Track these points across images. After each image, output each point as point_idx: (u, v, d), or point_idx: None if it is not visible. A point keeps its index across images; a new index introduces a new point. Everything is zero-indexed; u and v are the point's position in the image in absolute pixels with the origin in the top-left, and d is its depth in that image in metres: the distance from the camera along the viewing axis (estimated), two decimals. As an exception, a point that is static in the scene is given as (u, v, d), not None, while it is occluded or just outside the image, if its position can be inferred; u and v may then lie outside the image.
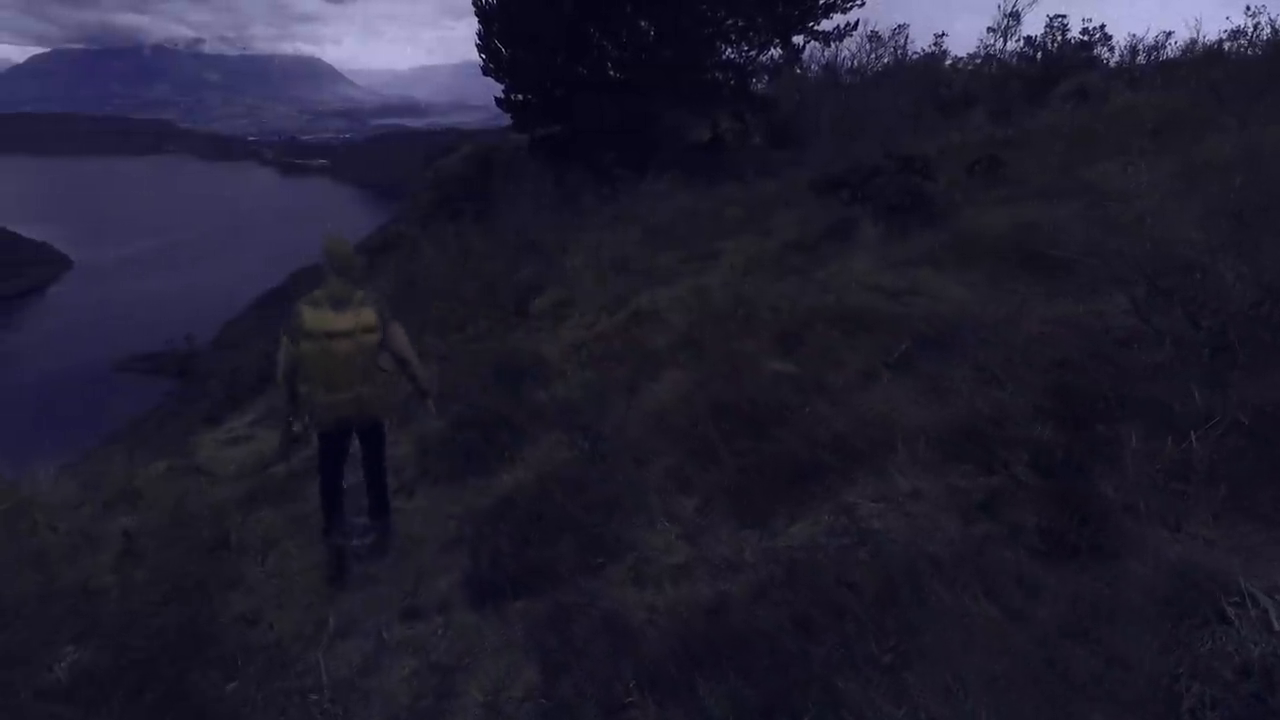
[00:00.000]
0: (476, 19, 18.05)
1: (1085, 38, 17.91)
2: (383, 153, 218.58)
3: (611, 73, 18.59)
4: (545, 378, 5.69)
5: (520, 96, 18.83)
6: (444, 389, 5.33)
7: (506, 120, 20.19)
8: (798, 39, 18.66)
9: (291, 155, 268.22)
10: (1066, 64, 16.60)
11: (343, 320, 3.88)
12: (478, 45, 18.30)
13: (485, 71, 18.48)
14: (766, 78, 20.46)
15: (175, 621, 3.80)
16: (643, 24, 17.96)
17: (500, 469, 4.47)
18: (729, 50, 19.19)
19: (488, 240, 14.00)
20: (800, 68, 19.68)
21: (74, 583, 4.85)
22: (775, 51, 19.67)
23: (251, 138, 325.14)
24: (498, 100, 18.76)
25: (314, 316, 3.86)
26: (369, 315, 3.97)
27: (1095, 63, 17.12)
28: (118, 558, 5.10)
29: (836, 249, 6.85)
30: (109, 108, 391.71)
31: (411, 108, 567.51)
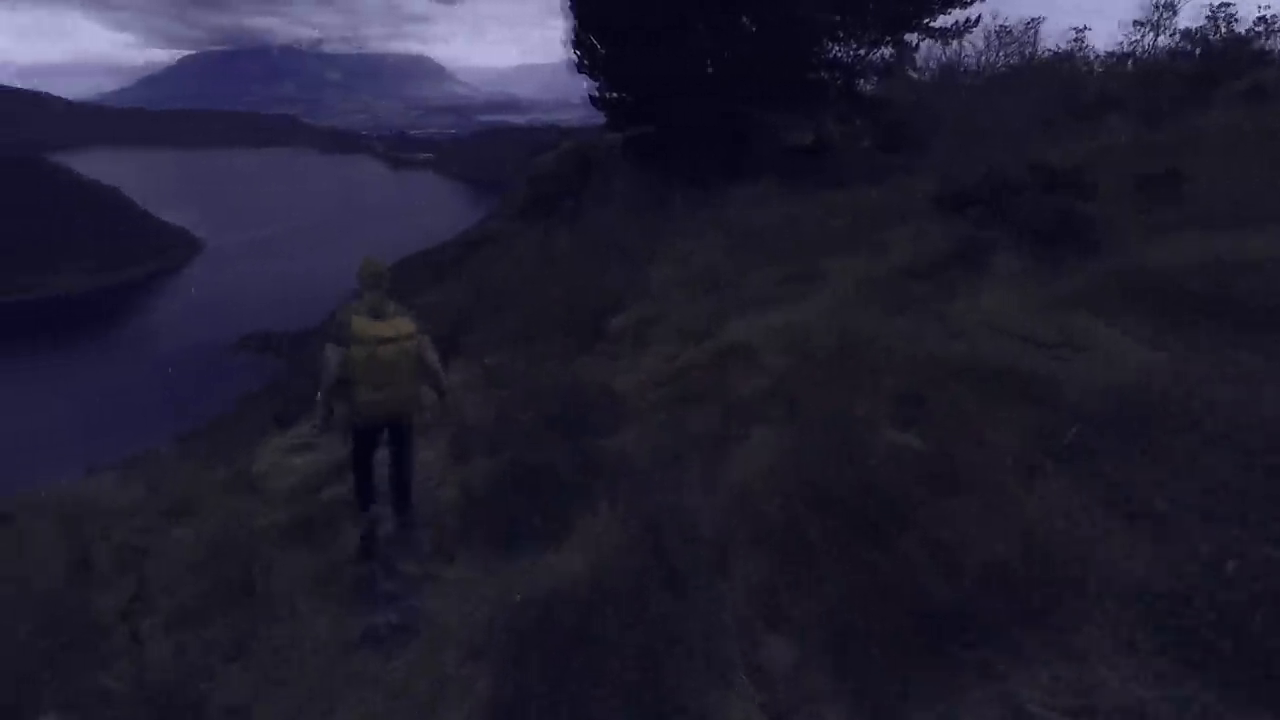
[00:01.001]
0: (570, 14, 17.50)
1: (1261, 29, 15.46)
2: (486, 148, 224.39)
3: (708, 70, 17.69)
4: (614, 420, 4.91)
5: (613, 94, 18.19)
6: (498, 432, 4.68)
7: (600, 118, 19.67)
8: (911, 36, 17.21)
9: (401, 150, 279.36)
10: (1232, 59, 14.40)
11: (386, 328, 4.38)
12: (571, 41, 17.76)
13: (578, 68, 17.93)
14: (876, 78, 19.08)
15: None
16: (744, 19, 16.97)
17: (549, 544, 3.73)
18: (836, 48, 17.94)
19: (575, 242, 13.43)
20: (914, 67, 18.22)
21: (83, 617, 4.54)
22: (886, 50, 18.31)
23: (365, 133, 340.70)
24: (592, 99, 18.19)
25: (362, 325, 4.34)
26: (407, 323, 4.47)
27: (1268, 56, 14.78)
28: (129, 601, 4.73)
29: (965, 279, 5.71)
30: (242, 105, 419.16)
31: (515, 104, 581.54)
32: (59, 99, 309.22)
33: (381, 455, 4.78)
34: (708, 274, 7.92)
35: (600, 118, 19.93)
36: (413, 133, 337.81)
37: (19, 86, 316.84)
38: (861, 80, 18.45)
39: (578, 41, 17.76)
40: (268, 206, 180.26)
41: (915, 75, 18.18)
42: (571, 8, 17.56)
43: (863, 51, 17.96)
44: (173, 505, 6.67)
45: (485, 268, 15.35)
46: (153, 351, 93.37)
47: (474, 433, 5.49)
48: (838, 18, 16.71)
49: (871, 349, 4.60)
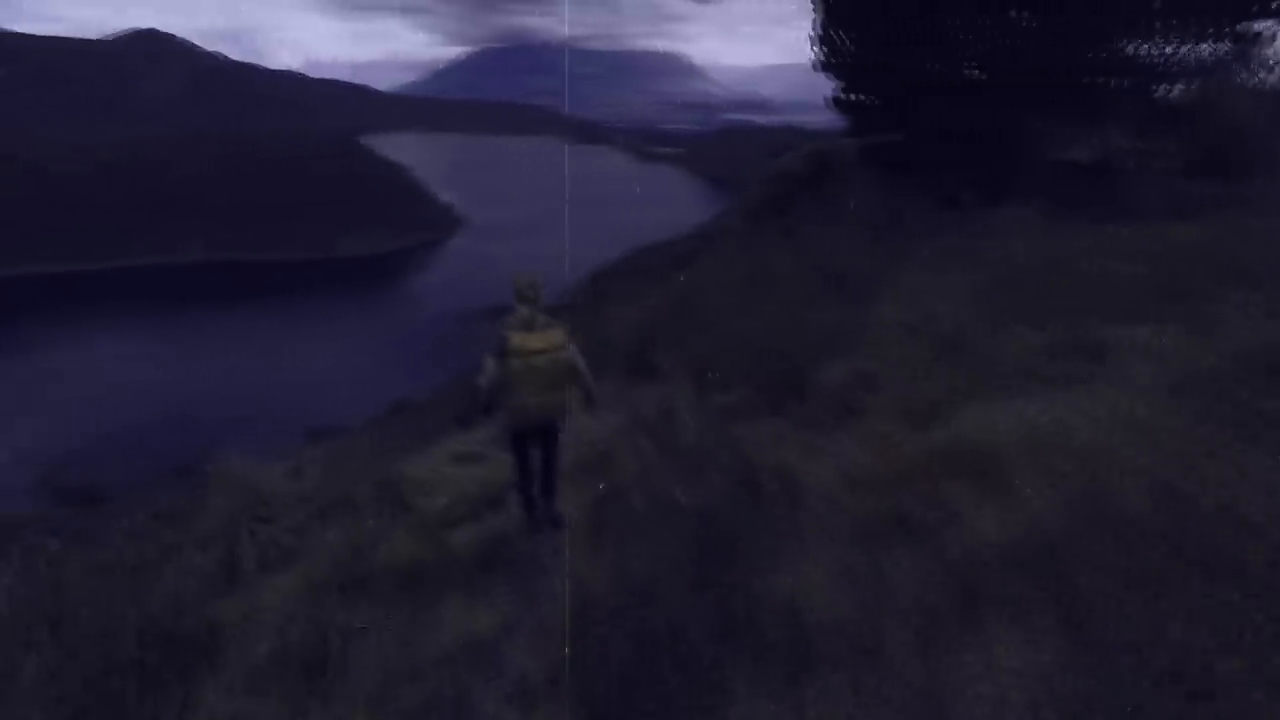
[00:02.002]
0: (817, 7, 16.02)
1: None
2: (728, 146, 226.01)
3: (968, 71, 15.34)
4: (785, 541, 3.72)
5: (856, 96, 16.46)
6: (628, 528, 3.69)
7: (842, 121, 18.03)
8: (1265, 25, 13.63)
9: (647, 143, 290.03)
10: None
11: (539, 340, 4.82)
12: (815, 36, 16.29)
13: (821, 66, 16.42)
14: (1193, 80, 15.45)
15: None
16: (1014, 13, 14.45)
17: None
18: (1139, 45, 14.74)
19: (795, 260, 12.15)
20: (1258, 68, 14.43)
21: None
22: (1214, 45, 14.73)
23: (615, 126, 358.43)
24: (833, 101, 16.62)
25: (518, 339, 4.81)
26: (557, 335, 4.90)
27: None
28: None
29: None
30: (510, 96, 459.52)
31: (760, 104, 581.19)
32: (372, 90, 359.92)
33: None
34: (946, 325, 6.34)
35: (843, 121, 18.31)
36: (659, 127, 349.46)
37: (348, 81, 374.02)
38: (1167, 85, 15.07)
39: (822, 37, 16.25)
40: (521, 189, 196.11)
41: (1256, 79, 14.46)
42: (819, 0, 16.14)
43: (1179, 47, 14.62)
44: (329, 503, 6.59)
45: (696, 275, 14.52)
46: (414, 312, 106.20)
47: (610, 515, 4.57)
48: (1157, 4, 13.67)
49: (1203, 500, 2.97)
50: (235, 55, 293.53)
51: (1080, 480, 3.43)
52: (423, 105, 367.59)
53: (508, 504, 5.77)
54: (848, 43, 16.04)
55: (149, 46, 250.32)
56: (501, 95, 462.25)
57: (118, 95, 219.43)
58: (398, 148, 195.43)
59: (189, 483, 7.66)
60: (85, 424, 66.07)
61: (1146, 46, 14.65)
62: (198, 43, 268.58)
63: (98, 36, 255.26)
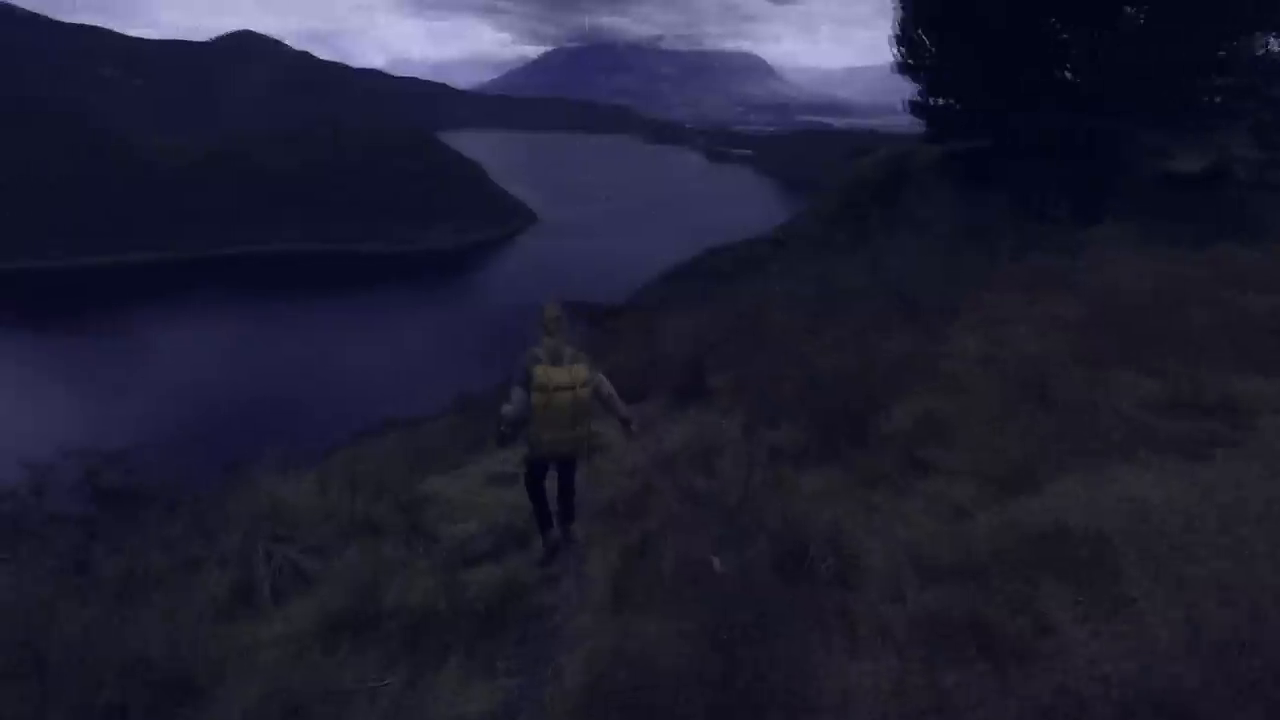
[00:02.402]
0: (900, 6, 15.04)
1: None
2: (803, 148, 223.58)
3: (1065, 75, 14.10)
4: (832, 636, 3.08)
5: (938, 100, 15.42)
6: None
7: (924, 127, 16.99)
8: None
9: (721, 144, 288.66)
10: None
11: (563, 375, 4.76)
12: (897, 36, 15.32)
13: (902, 68, 15.45)
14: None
15: None
16: (1130, 9, 13.17)
17: None
18: (1260, 42, 13.25)
19: (866, 275, 11.35)
20: None
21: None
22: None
23: (689, 125, 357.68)
24: (913, 104, 15.62)
25: (543, 373, 4.75)
26: (581, 371, 4.84)
27: None
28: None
29: None
30: (586, 95, 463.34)
31: (836, 106, 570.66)
32: (452, 88, 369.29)
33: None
34: (1035, 363, 5.53)
35: (922, 126, 17.27)
36: (734, 128, 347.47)
37: (429, 79, 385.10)
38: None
39: (904, 37, 15.27)
40: (594, 187, 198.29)
41: None
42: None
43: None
44: (353, 522, 6.23)
45: (761, 287, 13.80)
46: (485, 304, 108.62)
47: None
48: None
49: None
50: (323, 55, 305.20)
51: (1214, 598, 2.68)
52: (501, 103, 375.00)
53: (532, 544, 5.33)
54: (930, 43, 15.05)
55: (243, 48, 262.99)
56: (579, 94, 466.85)
57: (215, 93, 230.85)
58: (475, 144, 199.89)
59: (232, 483, 7.41)
60: (166, 410, 69.51)
61: (1267, 45, 13.23)
62: (288, 43, 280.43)
63: (199, 39, 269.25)
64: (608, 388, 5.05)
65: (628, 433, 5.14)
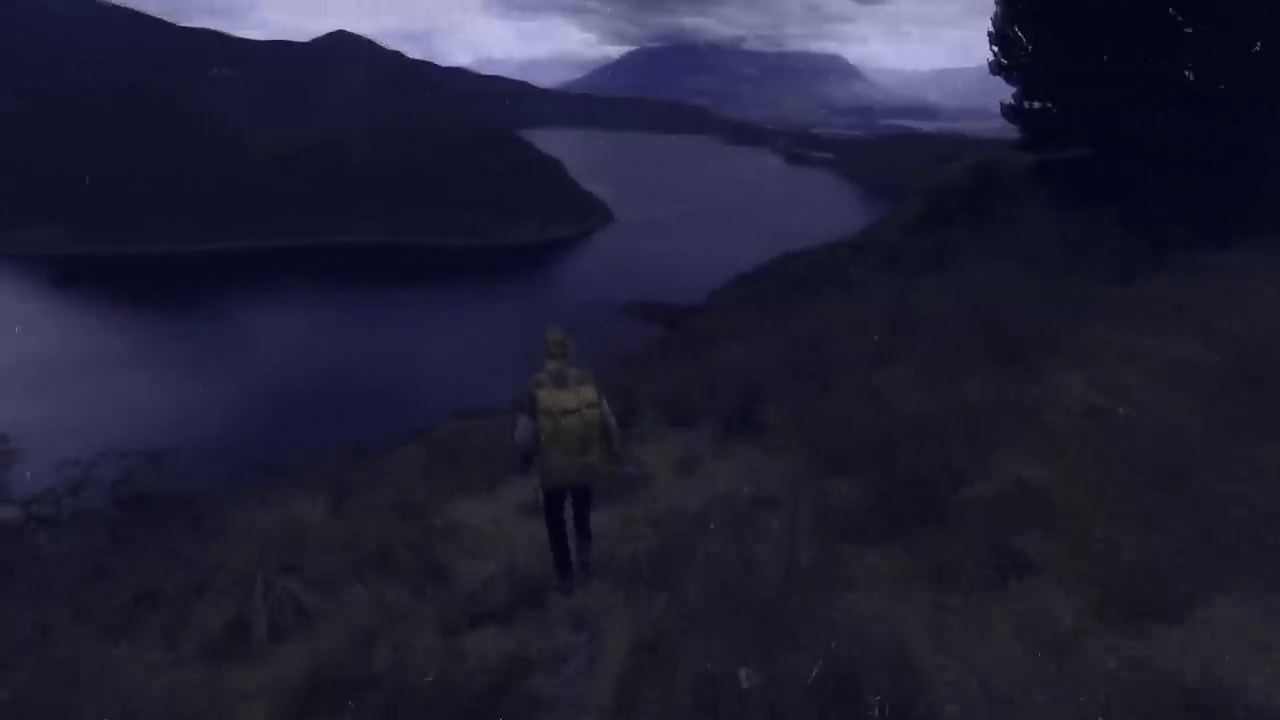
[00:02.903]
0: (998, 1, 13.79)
1: None
2: (886, 153, 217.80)
3: (1186, 73, 12.52)
4: None
5: (1035, 104, 14.10)
6: None
7: (1018, 133, 15.66)
8: None
9: (801, 146, 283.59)
10: None
11: (570, 399, 4.65)
12: (991, 34, 14.07)
13: (997, 68, 14.18)
14: None
15: None
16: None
17: None
18: None
19: (947, 296, 10.33)
20: None
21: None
22: None
23: (770, 127, 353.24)
24: (1005, 108, 14.34)
25: (548, 397, 4.65)
26: (589, 392, 4.74)
27: None
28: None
29: None
30: (667, 95, 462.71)
31: (923, 110, 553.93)
32: (535, 87, 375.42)
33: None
34: (1155, 424, 4.56)
35: (1017, 131, 15.92)
36: (815, 131, 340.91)
37: (514, 78, 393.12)
38: None
39: (1001, 34, 13.99)
40: (671, 188, 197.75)
41: None
42: (1000, -7, 13.89)
43: None
44: (367, 554, 5.71)
45: (832, 305, 12.89)
46: (560, 300, 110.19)
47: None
48: None
49: None
50: (414, 54, 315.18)
51: None
52: (583, 102, 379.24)
53: (547, 601, 4.72)
54: (1029, 40, 13.75)
55: (339, 47, 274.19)
56: (660, 94, 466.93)
57: (312, 91, 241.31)
58: (557, 143, 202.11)
59: (260, 493, 7.10)
60: (241, 396, 72.74)
61: None
62: (381, 43, 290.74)
63: (300, 39, 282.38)
64: (610, 416, 4.89)
65: (615, 462, 5.00)
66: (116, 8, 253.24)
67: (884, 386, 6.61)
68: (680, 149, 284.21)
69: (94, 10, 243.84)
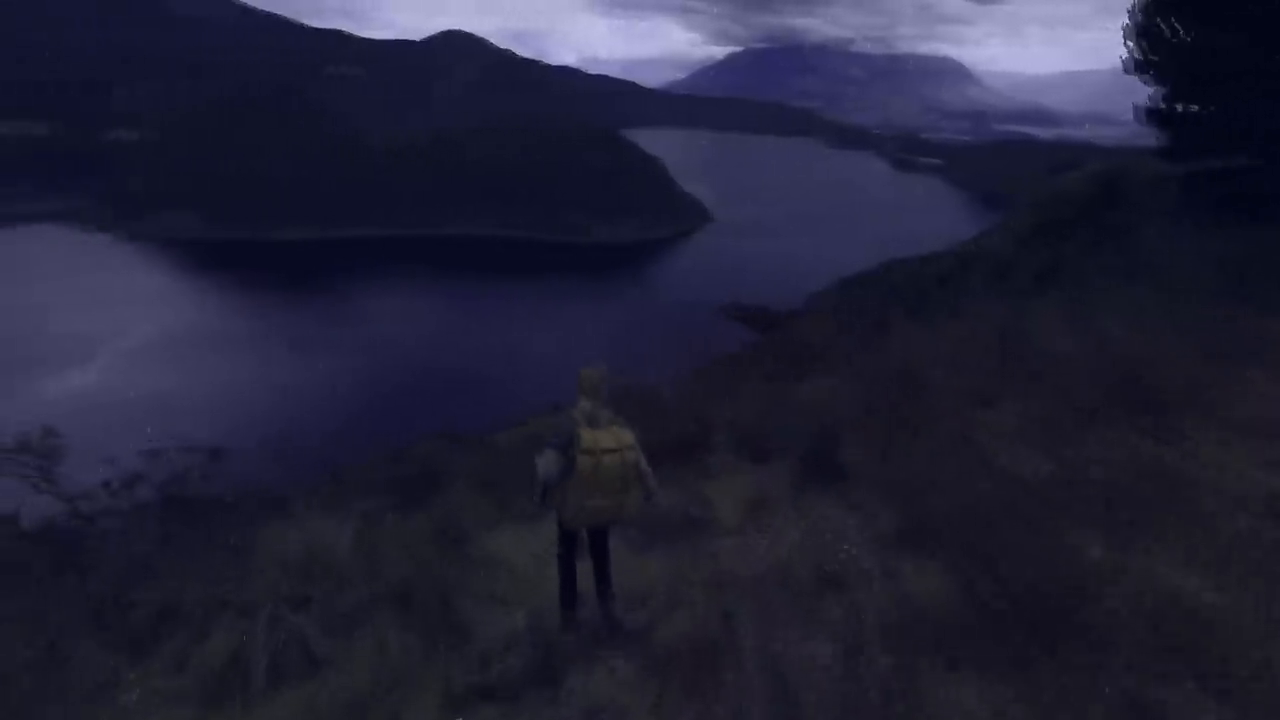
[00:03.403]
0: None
1: None
2: (998, 159, 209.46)
3: None
4: None
5: (1180, 106, 12.39)
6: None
7: (1153, 138, 13.88)
8: None
9: (907, 151, 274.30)
10: None
11: (609, 438, 4.50)
12: (1127, 28, 12.43)
13: (1135, 66, 12.52)
14: None
15: None
16: None
17: None
18: None
19: (1066, 331, 9.06)
20: None
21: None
22: None
23: (876, 131, 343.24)
24: (1144, 112, 12.67)
25: (590, 437, 4.46)
26: (625, 434, 4.59)
27: None
28: None
29: None
30: (770, 96, 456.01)
31: (1041, 115, 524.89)
32: (639, 86, 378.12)
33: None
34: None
35: (1146, 137, 14.12)
36: (923, 135, 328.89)
37: (619, 77, 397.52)
38: None
39: (1143, 27, 12.32)
40: (772, 190, 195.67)
41: None
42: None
43: None
44: (388, 589, 5.20)
45: (932, 330, 11.74)
46: (656, 299, 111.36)
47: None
48: None
49: None
50: (523, 53, 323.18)
51: None
52: (686, 102, 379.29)
53: (565, 682, 4.07)
54: (1179, 33, 12.07)
55: (453, 46, 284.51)
56: (764, 95, 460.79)
57: (428, 88, 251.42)
58: (659, 142, 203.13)
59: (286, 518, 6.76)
60: (341, 379, 76.65)
61: None
62: (492, 41, 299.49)
63: (417, 39, 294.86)
64: (643, 459, 4.72)
65: (652, 502, 4.82)
66: (255, 10, 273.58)
67: (987, 435, 5.62)
68: (783, 151, 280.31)
69: (235, 13, 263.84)
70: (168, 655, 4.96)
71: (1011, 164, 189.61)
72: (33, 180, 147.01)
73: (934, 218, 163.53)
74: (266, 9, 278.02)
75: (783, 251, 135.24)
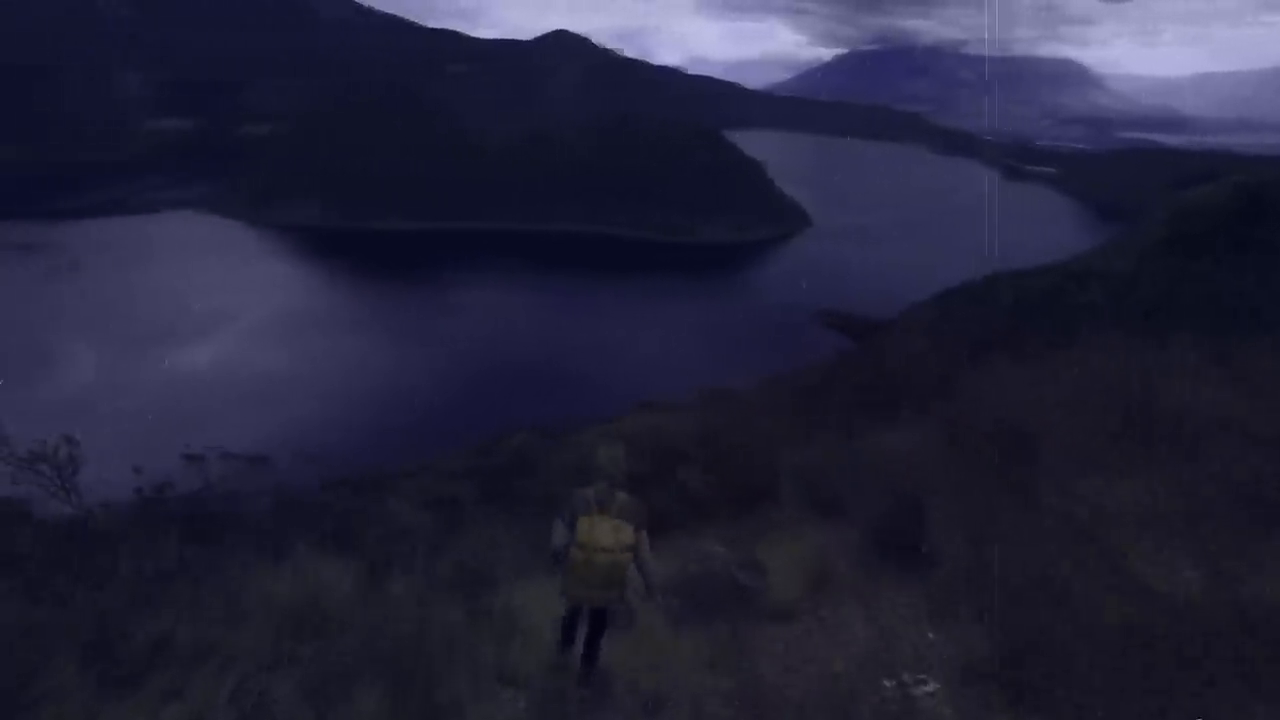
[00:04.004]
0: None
1: None
2: (1121, 169, 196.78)
3: None
4: None
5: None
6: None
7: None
8: None
9: (1018, 159, 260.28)
10: None
11: (608, 537, 4.59)
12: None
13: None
14: None
15: None
16: None
17: None
18: None
19: (1209, 378, 7.77)
20: None
21: None
22: None
23: (985, 137, 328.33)
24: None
25: (587, 530, 4.58)
26: (626, 534, 4.63)
27: None
28: None
29: None
30: (877, 100, 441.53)
31: (1173, 122, 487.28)
32: (742, 88, 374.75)
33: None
34: None
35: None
36: (1037, 142, 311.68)
37: (723, 78, 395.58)
38: None
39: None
40: (873, 195, 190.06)
41: None
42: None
43: None
44: (386, 651, 4.51)
45: (1034, 353, 10.47)
46: (750, 304, 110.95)
47: None
48: None
49: None
50: (628, 53, 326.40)
51: None
52: (789, 104, 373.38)
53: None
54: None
55: (559, 45, 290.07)
56: (871, 98, 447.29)
57: (534, 86, 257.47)
58: (760, 144, 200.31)
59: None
60: (434, 367, 79.21)
61: None
62: (597, 41, 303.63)
63: (525, 38, 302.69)
64: (646, 549, 4.76)
65: (651, 599, 4.84)
66: (374, 11, 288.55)
67: (1113, 526, 4.57)
68: (886, 156, 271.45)
69: (354, 13, 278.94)
70: (156, 694, 4.58)
71: (1134, 173, 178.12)
72: (178, 170, 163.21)
73: (1043, 229, 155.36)
74: (385, 9, 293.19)
75: (882, 259, 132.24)
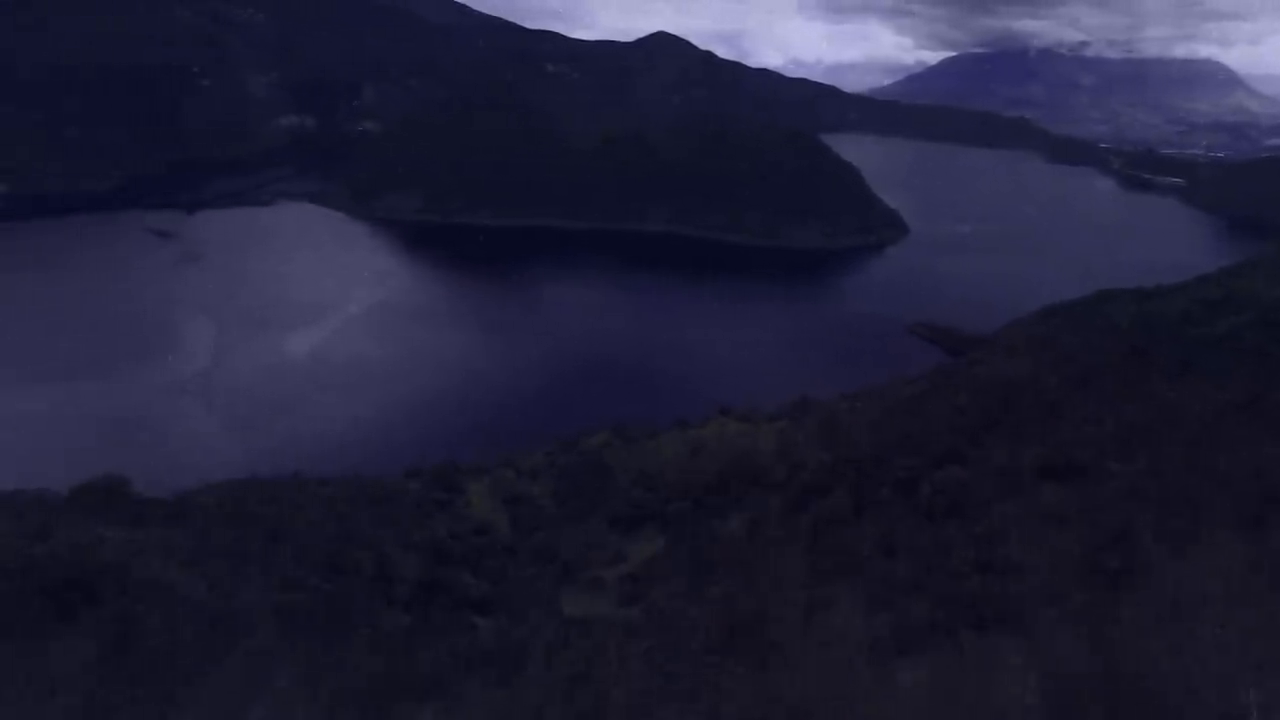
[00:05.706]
0: None
1: None
2: (1261, 179, 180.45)
3: None
4: None
5: None
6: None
7: None
8: None
9: (1141, 168, 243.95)
10: None
11: None
12: None
13: None
14: None
15: None
16: None
17: None
18: None
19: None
20: None
21: None
22: None
23: (1103, 145, 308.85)
24: None
25: None
26: None
27: None
28: None
29: None
30: (985, 105, 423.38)
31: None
32: (841, 91, 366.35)
33: None
34: None
35: None
36: (1164, 150, 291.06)
37: (821, 81, 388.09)
38: None
39: None
40: (976, 204, 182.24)
41: None
42: None
43: None
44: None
45: (1156, 390, 9.65)
46: (840, 309, 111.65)
47: None
48: None
49: None
50: (726, 54, 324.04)
51: None
52: (889, 108, 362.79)
53: None
54: None
55: (658, 47, 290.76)
56: (976, 103, 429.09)
57: (629, 87, 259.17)
58: (856, 149, 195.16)
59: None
60: (516, 361, 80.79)
61: None
62: (696, 43, 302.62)
63: (624, 40, 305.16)
64: None
65: None
66: (476, 12, 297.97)
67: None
68: (992, 163, 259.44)
69: (457, 14, 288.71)
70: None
71: (1274, 184, 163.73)
72: (296, 166, 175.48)
73: (1164, 245, 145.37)
74: (484, 10, 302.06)
75: (983, 271, 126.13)
